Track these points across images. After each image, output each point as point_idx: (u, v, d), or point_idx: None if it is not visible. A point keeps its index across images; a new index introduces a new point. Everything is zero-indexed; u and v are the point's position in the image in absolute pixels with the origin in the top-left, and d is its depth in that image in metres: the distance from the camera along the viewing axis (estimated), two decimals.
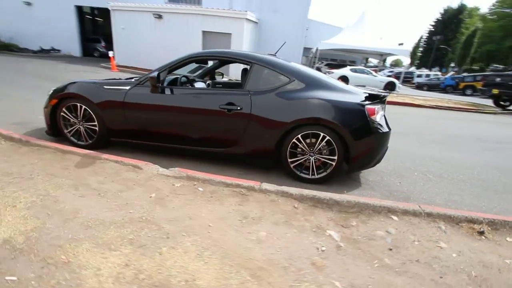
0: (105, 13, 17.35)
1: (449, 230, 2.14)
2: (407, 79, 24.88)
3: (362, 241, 1.95)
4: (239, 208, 2.17)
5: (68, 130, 3.25)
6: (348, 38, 17.12)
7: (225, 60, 3.53)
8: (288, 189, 2.40)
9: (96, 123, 3.11)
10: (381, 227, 2.11)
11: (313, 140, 2.73)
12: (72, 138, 3.27)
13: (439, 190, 3.00)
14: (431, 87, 23.08)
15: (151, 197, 2.23)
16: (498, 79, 10.62)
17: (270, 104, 2.73)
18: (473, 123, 8.10)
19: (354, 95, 2.78)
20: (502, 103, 11.18)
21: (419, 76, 25.83)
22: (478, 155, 4.50)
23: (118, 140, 3.17)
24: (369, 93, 2.79)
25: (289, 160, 2.82)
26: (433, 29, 43.74)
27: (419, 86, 23.91)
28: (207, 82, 4.02)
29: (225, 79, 4.74)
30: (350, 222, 2.16)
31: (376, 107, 2.68)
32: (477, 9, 42.47)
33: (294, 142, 2.74)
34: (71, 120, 3.20)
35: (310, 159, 2.79)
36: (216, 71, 4.35)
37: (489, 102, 12.59)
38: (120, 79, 3.31)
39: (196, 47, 14.32)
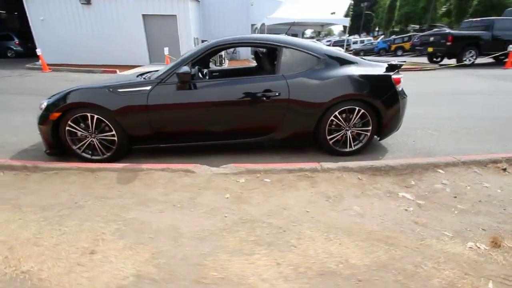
0: (8, 3, 14.46)
1: (483, 172, 2.56)
2: (345, 47, 26.59)
3: (430, 196, 2.23)
4: (316, 190, 2.27)
5: (78, 145, 2.86)
6: (290, 12, 17.38)
7: (251, 45, 3.34)
8: (347, 164, 2.57)
9: (114, 132, 2.78)
10: (436, 181, 2.43)
11: (349, 115, 2.90)
12: (84, 154, 2.89)
13: (444, 142, 3.49)
14: (366, 52, 25.18)
15: (227, 197, 2.17)
16: (431, 39, 12.13)
17: (306, 86, 2.79)
18: (425, 80, 9.20)
19: (377, 67, 2.99)
20: (435, 59, 12.88)
21: (355, 43, 27.88)
22: (448, 107, 5.25)
23: (143, 147, 2.90)
24: (388, 64, 3.02)
25: (328, 137, 2.96)
26: None
27: (356, 53, 25.86)
28: (204, 72, 3.84)
29: (224, 65, 4.54)
30: (409, 182, 2.43)
31: (400, 76, 2.94)
32: None
33: (331, 119, 2.87)
34: (80, 133, 2.81)
35: (347, 133, 2.98)
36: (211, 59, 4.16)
37: (423, 59, 14.39)
38: (129, 80, 2.97)
39: (137, 32, 13.09)
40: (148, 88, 2.72)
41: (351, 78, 2.81)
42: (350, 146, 3.02)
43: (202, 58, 2.80)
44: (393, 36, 26.18)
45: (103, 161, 2.87)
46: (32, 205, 2.09)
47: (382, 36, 30.01)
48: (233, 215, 1.94)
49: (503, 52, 10.86)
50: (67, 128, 2.77)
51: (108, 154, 2.89)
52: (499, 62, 11.69)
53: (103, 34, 13.05)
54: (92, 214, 1.96)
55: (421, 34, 16.94)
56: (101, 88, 2.76)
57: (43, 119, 2.76)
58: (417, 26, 29.57)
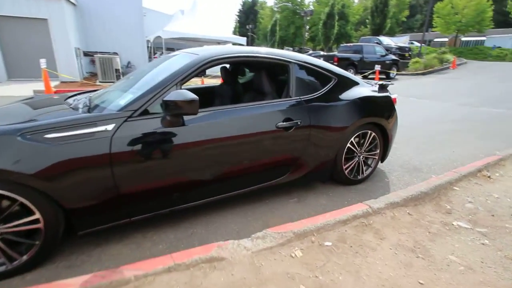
0: None
1: (481, 182, 2.73)
2: None
3: (476, 219, 2.15)
4: (391, 243, 1.81)
5: None
6: (186, 26, 16.68)
7: (251, 62, 2.53)
8: (389, 198, 2.23)
9: (37, 214, 1.49)
10: (463, 201, 2.41)
11: (360, 140, 2.61)
12: None
13: (412, 153, 3.70)
14: None
15: (310, 277, 1.41)
16: (321, 59, 14.01)
17: (326, 110, 2.32)
18: None
19: (374, 87, 2.83)
20: None
21: None
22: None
23: (98, 229, 1.68)
24: (379, 84, 2.92)
25: (344, 166, 2.57)
26: (239, 19, 50.62)
27: None
28: None
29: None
30: (445, 206, 2.31)
31: (395, 96, 2.88)
32: (265, 2, 52.68)
33: (347, 146, 2.50)
34: None
35: (359, 160, 2.67)
36: None
37: None
38: (57, 116, 1.71)
39: None
40: (110, 127, 1.59)
41: (365, 100, 2.54)
42: (362, 173, 2.73)
43: (190, 78, 1.88)
44: None
45: (13, 273, 1.50)
46: None
47: None
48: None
49: (371, 71, 13.65)
50: None
51: (24, 258, 1.53)
52: (369, 78, 14.67)
53: None
54: None
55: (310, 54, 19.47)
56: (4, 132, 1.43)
57: None
58: (291, 48, 34.24)
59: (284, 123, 2.09)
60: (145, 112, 1.67)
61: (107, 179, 1.57)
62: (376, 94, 2.68)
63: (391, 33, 32.00)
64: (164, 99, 1.60)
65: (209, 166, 1.90)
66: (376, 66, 12.18)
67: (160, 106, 1.68)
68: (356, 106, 2.46)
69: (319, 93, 2.32)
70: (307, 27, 33.03)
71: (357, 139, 2.58)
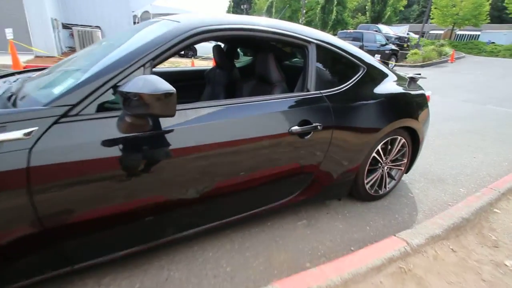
0: None
1: None
2: None
3: None
4: None
5: None
6: (176, 2, 15.47)
7: (255, 39, 1.79)
8: (427, 229, 1.73)
9: None
10: (508, 229, 1.94)
11: (387, 147, 2.09)
12: None
13: (429, 159, 3.24)
14: None
15: None
16: None
17: (354, 109, 1.77)
18: None
19: (405, 80, 2.28)
20: None
21: None
22: None
23: None
24: (409, 76, 2.37)
25: (366, 180, 2.05)
26: None
27: None
28: None
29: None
30: (489, 237, 1.85)
31: (429, 93, 2.34)
32: None
33: (373, 155, 1.98)
34: None
35: (383, 171, 2.16)
36: None
37: None
38: None
39: None
40: (29, 133, 0.97)
41: (399, 98, 2.01)
42: (385, 187, 2.22)
43: (163, 55, 1.25)
44: None
45: None
46: None
47: None
48: None
49: None
50: None
51: None
52: None
53: None
54: None
55: None
56: None
57: None
58: None
59: (300, 127, 1.52)
60: (91, 109, 1.07)
61: (24, 211, 0.98)
62: (411, 91, 2.14)
63: (388, 23, 31.31)
64: (121, 89, 0.99)
65: (191, 187, 1.32)
66: (376, 55, 11.63)
67: (119, 99, 1.08)
68: (389, 105, 1.92)
69: (345, 86, 1.75)
70: (304, 11, 31.83)
71: (383, 146, 2.06)
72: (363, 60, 1.86)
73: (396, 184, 2.31)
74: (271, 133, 1.46)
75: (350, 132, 1.74)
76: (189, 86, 2.74)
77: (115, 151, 1.08)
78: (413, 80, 2.34)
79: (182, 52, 12.97)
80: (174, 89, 0.99)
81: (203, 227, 1.47)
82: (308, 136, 1.57)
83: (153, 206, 1.25)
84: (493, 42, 26.45)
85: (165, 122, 1.18)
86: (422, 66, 14.71)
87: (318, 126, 1.58)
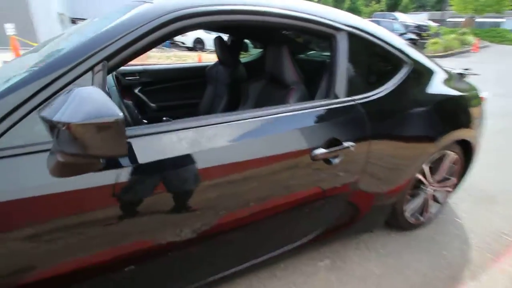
0: None
1: None
2: None
3: None
4: None
5: None
6: None
7: (263, 26, 1.27)
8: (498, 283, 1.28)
9: None
10: None
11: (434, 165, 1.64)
12: None
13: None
14: None
15: None
16: None
17: (396, 119, 1.32)
18: None
19: (455, 77, 1.79)
20: None
21: None
22: None
23: None
24: (458, 73, 1.89)
25: (406, 205, 1.62)
26: None
27: None
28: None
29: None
30: None
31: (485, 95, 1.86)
32: None
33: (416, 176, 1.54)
34: None
35: (427, 194, 1.71)
36: None
37: None
38: None
39: None
40: None
41: (453, 101, 1.55)
42: (427, 212, 1.78)
43: (125, 53, 0.84)
44: None
45: None
46: None
47: None
48: None
49: None
50: None
51: None
52: None
53: None
54: None
55: None
56: None
57: None
58: None
59: (326, 150, 1.09)
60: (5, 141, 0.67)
61: None
62: (465, 92, 1.65)
63: (404, 11, 29.89)
64: (42, 113, 0.60)
65: (172, 231, 0.93)
66: None
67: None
68: (441, 112, 1.46)
69: (386, 89, 1.30)
70: None
71: (430, 165, 1.61)
72: (409, 55, 1.39)
73: (440, 208, 1.86)
74: (284, 161, 1.04)
75: (391, 149, 1.30)
76: (191, 85, 2.36)
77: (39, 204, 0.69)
78: (462, 77, 1.86)
79: (191, 45, 12.43)
80: (121, 114, 0.58)
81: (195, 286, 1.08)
82: (337, 160, 1.14)
83: (136, 253, 0.88)
84: None
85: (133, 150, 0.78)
86: (443, 57, 13.80)
87: (351, 146, 1.14)
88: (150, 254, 0.92)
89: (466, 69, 2.00)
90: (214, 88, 2.19)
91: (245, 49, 2.81)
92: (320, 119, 1.13)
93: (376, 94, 1.26)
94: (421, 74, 1.47)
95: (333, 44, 1.20)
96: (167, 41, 14.48)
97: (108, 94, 1.42)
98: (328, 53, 1.69)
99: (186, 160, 0.87)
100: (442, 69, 1.65)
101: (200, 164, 0.89)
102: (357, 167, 1.23)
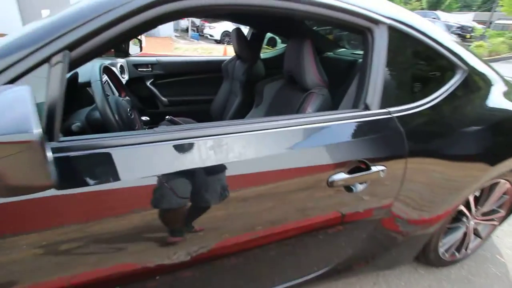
0: None
1: None
2: None
3: None
4: None
5: None
6: None
7: (288, 15, 0.92)
8: None
9: None
10: None
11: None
12: None
13: None
14: None
15: None
16: None
17: (441, 138, 1.05)
18: None
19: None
20: None
21: None
22: None
23: None
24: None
25: (441, 240, 1.35)
26: None
27: None
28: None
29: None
30: None
31: None
32: None
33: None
34: None
35: (468, 228, 1.42)
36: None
37: None
38: None
39: None
40: None
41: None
42: (465, 248, 1.49)
43: (89, 44, 0.65)
44: None
45: None
46: None
47: None
48: None
49: None
50: None
51: None
52: None
53: None
54: None
55: None
56: None
57: None
58: None
59: (346, 175, 0.86)
60: None
61: None
62: None
63: (447, 10, 27.84)
64: None
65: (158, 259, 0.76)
66: None
67: None
68: (499, 133, 1.17)
69: (432, 100, 1.03)
70: None
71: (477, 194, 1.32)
72: (464, 59, 1.10)
73: (480, 244, 1.56)
74: (292, 184, 0.83)
75: (433, 174, 1.03)
76: (207, 80, 2.21)
77: None
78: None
79: (218, 38, 12.44)
80: (39, 130, 0.40)
81: None
82: (361, 186, 0.91)
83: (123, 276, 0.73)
84: None
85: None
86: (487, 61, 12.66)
87: (381, 170, 0.90)
88: (139, 279, 0.77)
89: None
90: (229, 85, 2.01)
91: (273, 44, 2.59)
92: (344, 135, 0.90)
93: (419, 106, 1.00)
94: (478, 84, 1.18)
95: (369, 40, 0.96)
96: (196, 33, 14.44)
97: (80, 90, 1.30)
98: (361, 52, 1.45)
99: (175, 177, 0.70)
100: (503, 79, 1.34)
101: (190, 181, 0.71)
102: (388, 194, 0.99)
